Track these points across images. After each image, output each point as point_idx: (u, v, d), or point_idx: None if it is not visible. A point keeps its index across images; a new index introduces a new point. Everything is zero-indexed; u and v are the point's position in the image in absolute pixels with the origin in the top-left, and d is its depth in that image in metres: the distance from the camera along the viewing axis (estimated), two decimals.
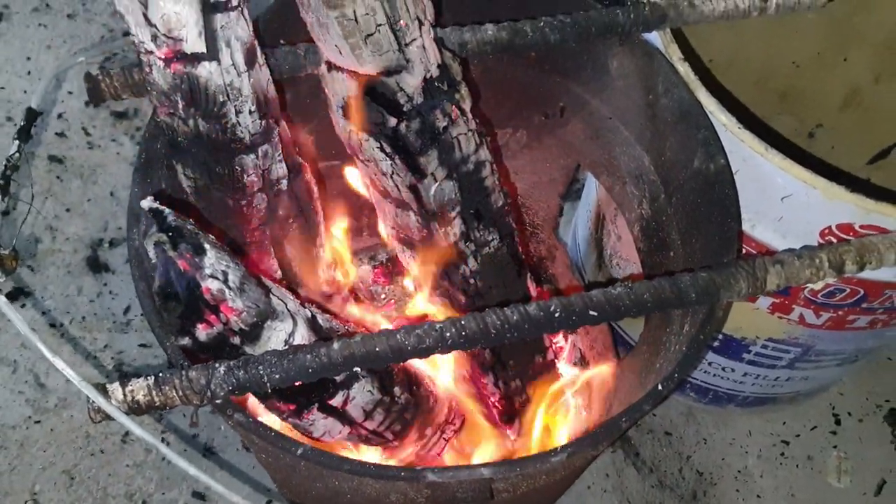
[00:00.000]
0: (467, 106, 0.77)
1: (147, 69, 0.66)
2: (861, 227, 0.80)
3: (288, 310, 0.66)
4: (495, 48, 0.83)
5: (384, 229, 0.87)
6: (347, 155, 0.79)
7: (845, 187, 0.78)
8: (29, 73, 1.58)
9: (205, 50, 0.64)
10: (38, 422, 1.24)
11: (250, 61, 0.69)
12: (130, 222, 0.78)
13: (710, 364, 1.15)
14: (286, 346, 0.65)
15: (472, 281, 0.85)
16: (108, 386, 0.62)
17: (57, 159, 1.48)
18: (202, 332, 0.60)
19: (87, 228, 1.42)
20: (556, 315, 0.67)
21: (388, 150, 0.73)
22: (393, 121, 0.71)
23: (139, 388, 0.62)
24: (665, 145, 0.92)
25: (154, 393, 0.61)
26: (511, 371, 0.96)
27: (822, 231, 0.83)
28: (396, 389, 0.81)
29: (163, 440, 1.22)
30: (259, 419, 0.70)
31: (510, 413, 1.01)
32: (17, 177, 0.77)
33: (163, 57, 0.64)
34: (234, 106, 0.69)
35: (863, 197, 0.78)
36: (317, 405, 0.72)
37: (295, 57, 0.79)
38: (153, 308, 0.73)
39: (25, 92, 1.55)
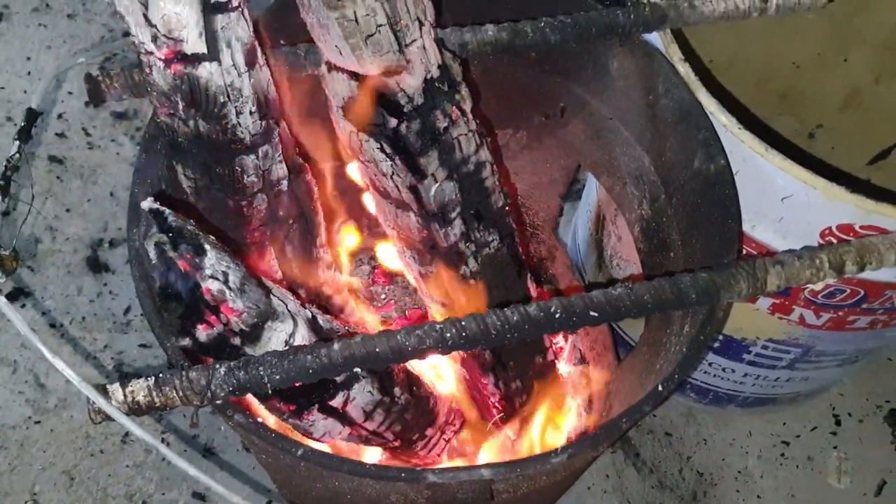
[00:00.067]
0: (468, 106, 0.77)
1: (147, 70, 0.66)
2: (861, 227, 0.80)
3: (288, 310, 0.66)
4: (496, 49, 0.83)
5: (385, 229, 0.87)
6: (347, 155, 0.79)
7: (845, 188, 0.78)
8: (29, 73, 1.58)
9: (205, 50, 0.64)
10: (38, 422, 1.24)
11: (251, 62, 0.69)
12: (130, 223, 0.78)
13: (710, 365, 1.15)
14: (286, 347, 0.65)
15: (472, 281, 0.85)
16: (108, 387, 0.62)
17: (57, 160, 1.48)
18: (202, 332, 0.60)
19: (87, 229, 1.42)
20: (557, 316, 0.66)
21: (388, 150, 0.73)
22: (393, 121, 0.71)
23: (139, 389, 0.62)
24: (665, 146, 0.92)
25: (154, 394, 0.61)
26: (511, 372, 0.96)
27: (822, 232, 0.83)
28: (397, 390, 0.81)
29: (163, 441, 1.22)
30: (259, 420, 0.70)
31: (510, 414, 1.01)
32: (18, 177, 0.77)
33: (163, 57, 0.64)
34: (235, 107, 0.69)
35: (863, 197, 0.78)
36: (317, 406, 0.72)
37: (295, 57, 0.79)
38: (153, 308, 0.73)
39: (25, 92, 1.55)
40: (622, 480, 1.25)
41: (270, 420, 0.78)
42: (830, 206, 0.80)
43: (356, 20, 0.65)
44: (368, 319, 1.03)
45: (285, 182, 0.79)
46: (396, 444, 0.87)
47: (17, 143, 0.77)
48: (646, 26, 0.85)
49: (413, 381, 0.86)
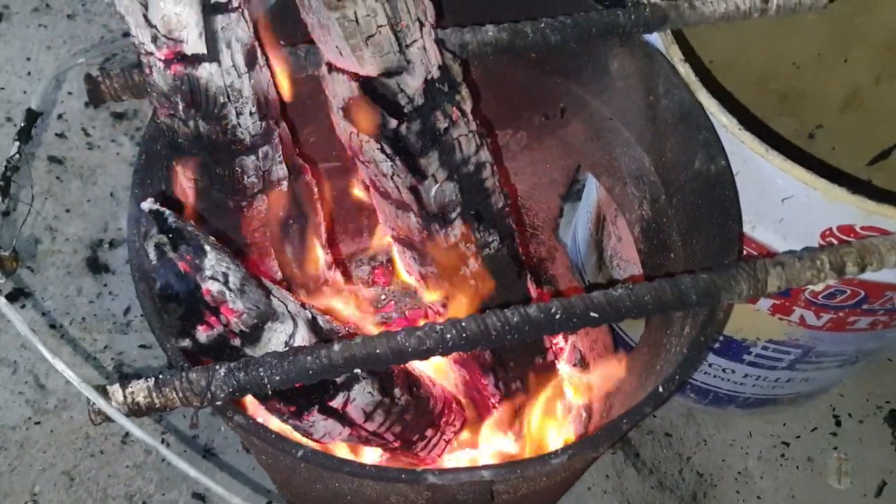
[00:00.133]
0: (468, 107, 0.77)
1: (147, 70, 0.66)
2: (862, 228, 0.80)
3: (288, 311, 0.66)
4: (496, 49, 0.83)
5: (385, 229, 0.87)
6: (347, 156, 0.79)
7: (846, 189, 0.78)
8: (29, 73, 1.58)
9: (205, 51, 0.64)
10: (38, 423, 1.24)
11: (251, 63, 0.69)
12: (130, 223, 0.78)
13: (710, 365, 1.15)
14: (286, 348, 0.65)
15: (472, 282, 0.85)
16: (108, 387, 0.61)
17: (57, 160, 1.48)
18: (202, 333, 0.60)
19: (87, 229, 1.42)
20: (557, 316, 0.66)
21: (388, 151, 0.73)
22: (394, 122, 0.71)
23: (139, 390, 0.61)
24: (666, 146, 0.92)
25: (154, 394, 0.61)
26: (512, 372, 0.96)
27: (822, 232, 0.83)
28: (397, 391, 0.81)
29: (163, 441, 1.22)
30: (259, 421, 0.70)
31: (510, 414, 1.00)
32: (17, 177, 0.77)
33: (163, 58, 0.64)
34: (235, 107, 0.69)
35: (864, 198, 0.78)
36: (317, 407, 0.72)
37: (295, 58, 0.79)
38: (153, 309, 0.73)
39: (25, 92, 1.55)
40: (622, 481, 1.25)
41: (273, 422, 0.78)
42: (831, 207, 0.80)
43: (357, 21, 0.65)
44: (368, 320, 1.03)
45: (285, 182, 0.79)
46: (396, 444, 0.87)
47: (17, 143, 0.77)
48: (646, 27, 0.85)
49: (413, 382, 0.86)
